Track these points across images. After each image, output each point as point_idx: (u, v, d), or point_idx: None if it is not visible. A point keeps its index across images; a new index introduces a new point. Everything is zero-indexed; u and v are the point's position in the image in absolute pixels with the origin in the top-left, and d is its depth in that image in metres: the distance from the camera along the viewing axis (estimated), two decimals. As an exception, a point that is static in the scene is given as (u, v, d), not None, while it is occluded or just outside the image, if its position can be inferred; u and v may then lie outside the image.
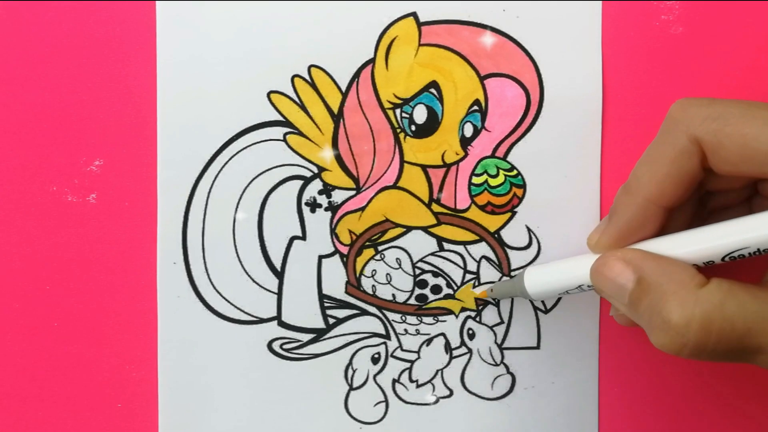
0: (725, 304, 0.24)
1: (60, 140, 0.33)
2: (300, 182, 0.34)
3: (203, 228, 0.34)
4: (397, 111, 0.33)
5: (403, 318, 0.34)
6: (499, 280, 0.34)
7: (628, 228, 0.28)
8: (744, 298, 0.24)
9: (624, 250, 0.27)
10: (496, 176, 0.34)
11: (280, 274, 0.34)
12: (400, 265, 0.34)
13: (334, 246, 0.34)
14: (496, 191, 0.34)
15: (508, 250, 0.34)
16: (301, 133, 0.33)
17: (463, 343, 0.35)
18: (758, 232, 0.25)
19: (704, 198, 0.30)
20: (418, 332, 0.35)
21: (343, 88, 0.33)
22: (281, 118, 0.33)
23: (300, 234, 0.34)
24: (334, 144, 0.33)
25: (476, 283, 0.34)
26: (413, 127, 0.33)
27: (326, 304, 0.34)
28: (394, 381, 0.35)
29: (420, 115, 0.33)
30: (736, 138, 0.25)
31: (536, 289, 0.31)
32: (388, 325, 0.34)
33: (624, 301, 0.26)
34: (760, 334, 0.23)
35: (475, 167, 0.34)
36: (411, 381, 0.35)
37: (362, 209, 0.34)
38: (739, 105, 0.25)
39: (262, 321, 0.34)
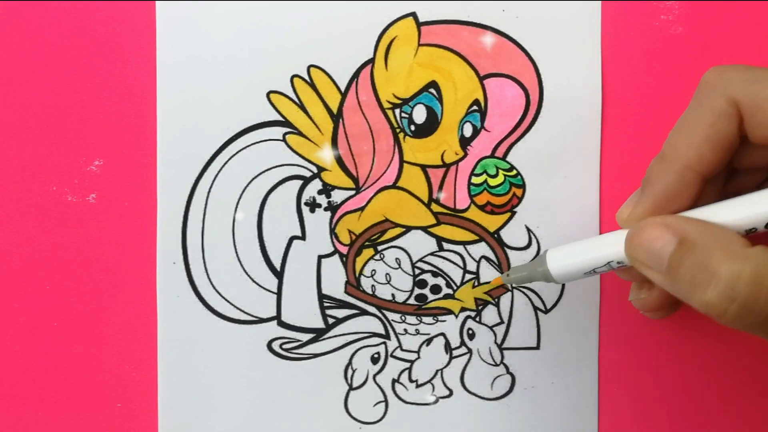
0: None
1: (60, 140, 0.33)
2: (299, 182, 0.34)
3: (203, 228, 0.34)
4: (397, 111, 0.33)
5: (403, 318, 0.34)
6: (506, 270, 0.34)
7: (665, 197, 0.27)
8: None
9: (663, 216, 0.26)
10: (495, 176, 0.34)
11: (279, 274, 0.34)
12: (399, 264, 0.34)
13: (334, 246, 0.34)
14: (495, 191, 0.34)
15: (508, 250, 0.34)
16: (300, 133, 0.33)
17: (462, 343, 0.35)
18: None
19: (727, 181, 0.30)
20: (417, 332, 0.35)
21: (343, 88, 0.33)
22: (281, 118, 0.33)
23: (299, 234, 0.34)
24: (334, 144, 0.33)
25: (476, 283, 0.34)
26: (413, 127, 0.33)
27: (326, 304, 0.34)
28: (394, 381, 0.35)
29: (419, 115, 0.33)
30: None
31: (561, 270, 0.29)
32: (387, 325, 0.34)
33: (662, 266, 0.25)
34: None
35: (475, 167, 0.34)
36: (411, 381, 0.35)
37: (362, 209, 0.34)
38: None
39: (261, 321, 0.34)
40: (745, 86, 0.25)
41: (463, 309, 0.34)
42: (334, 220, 0.34)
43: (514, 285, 0.34)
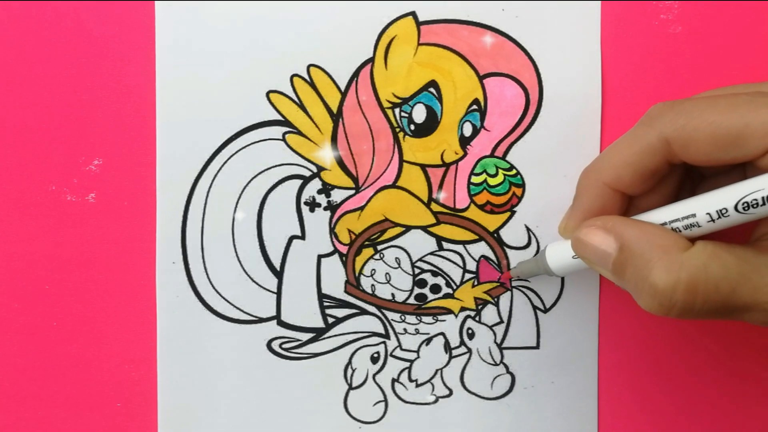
0: (709, 267, 0.24)
1: (59, 139, 0.33)
2: (299, 182, 0.34)
3: (202, 227, 0.34)
4: (397, 110, 0.33)
5: (403, 317, 0.34)
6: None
7: (590, 211, 0.29)
8: (727, 260, 0.24)
9: (603, 218, 0.28)
10: (495, 176, 0.34)
11: (279, 274, 0.34)
12: (399, 264, 0.34)
13: (334, 245, 0.34)
14: (495, 190, 0.34)
15: (507, 250, 0.34)
16: (300, 133, 0.33)
17: (462, 343, 0.35)
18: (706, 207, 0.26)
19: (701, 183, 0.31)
20: (417, 332, 0.35)
21: (342, 88, 0.33)
22: (280, 118, 0.33)
23: (299, 233, 0.34)
24: (334, 143, 0.33)
25: (475, 283, 0.34)
26: (412, 127, 0.33)
27: (325, 304, 0.34)
28: (394, 380, 0.35)
29: (419, 114, 0.33)
30: (704, 128, 0.25)
31: (557, 264, 0.31)
32: (387, 324, 0.34)
33: (608, 267, 0.27)
34: (744, 293, 0.24)
35: (475, 166, 0.34)
36: (410, 380, 0.35)
37: (361, 209, 0.34)
38: (704, 98, 0.26)
39: (261, 320, 0.34)
40: (676, 120, 0.26)
41: (462, 308, 0.34)
42: (334, 220, 0.34)
43: (520, 278, 0.34)
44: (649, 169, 0.27)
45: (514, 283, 0.34)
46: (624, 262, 0.26)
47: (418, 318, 0.34)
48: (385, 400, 0.35)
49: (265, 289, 0.34)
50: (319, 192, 0.34)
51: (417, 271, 0.34)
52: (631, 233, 0.26)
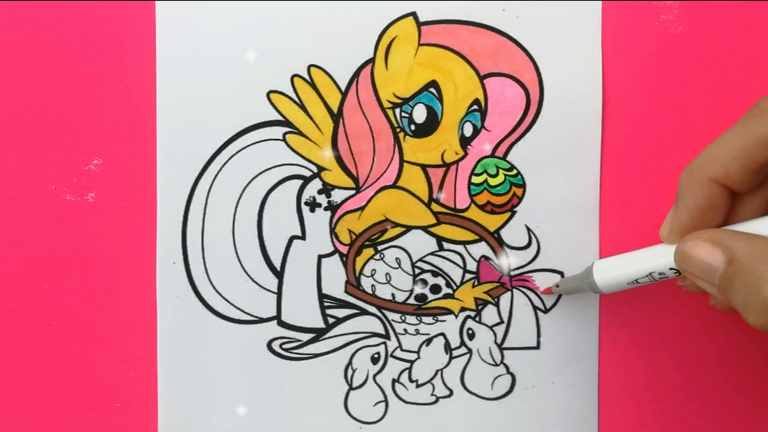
0: None
1: (59, 139, 0.33)
2: (299, 182, 0.34)
3: (203, 227, 0.34)
4: (397, 110, 0.33)
5: (403, 318, 0.34)
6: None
7: (697, 210, 0.28)
8: None
9: (710, 231, 0.27)
10: (495, 176, 0.34)
11: (279, 274, 0.34)
12: (399, 264, 0.34)
13: (334, 245, 0.34)
14: (495, 191, 0.34)
15: (508, 250, 0.34)
16: (300, 133, 0.33)
17: (462, 343, 0.35)
18: None
19: None
20: (417, 332, 0.35)
21: (343, 88, 0.33)
22: (281, 118, 0.33)
23: (299, 233, 0.34)
24: (334, 144, 0.33)
25: (476, 283, 0.34)
26: (413, 127, 0.33)
27: (326, 304, 0.34)
28: (394, 381, 0.35)
29: (420, 114, 0.33)
30: None
31: (606, 281, 0.31)
32: (387, 324, 0.34)
33: (714, 282, 0.26)
34: None
35: (475, 167, 0.34)
36: (411, 381, 0.35)
37: (362, 209, 0.34)
38: None
39: (261, 321, 0.34)
40: None
41: (462, 309, 0.34)
42: (334, 220, 0.34)
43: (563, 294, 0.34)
44: (759, 163, 0.26)
45: (514, 283, 0.34)
46: (732, 276, 0.25)
47: (419, 318, 0.34)
48: (386, 401, 0.35)
49: (265, 289, 0.34)
50: (320, 192, 0.34)
51: (417, 271, 0.34)
52: (741, 246, 0.25)
